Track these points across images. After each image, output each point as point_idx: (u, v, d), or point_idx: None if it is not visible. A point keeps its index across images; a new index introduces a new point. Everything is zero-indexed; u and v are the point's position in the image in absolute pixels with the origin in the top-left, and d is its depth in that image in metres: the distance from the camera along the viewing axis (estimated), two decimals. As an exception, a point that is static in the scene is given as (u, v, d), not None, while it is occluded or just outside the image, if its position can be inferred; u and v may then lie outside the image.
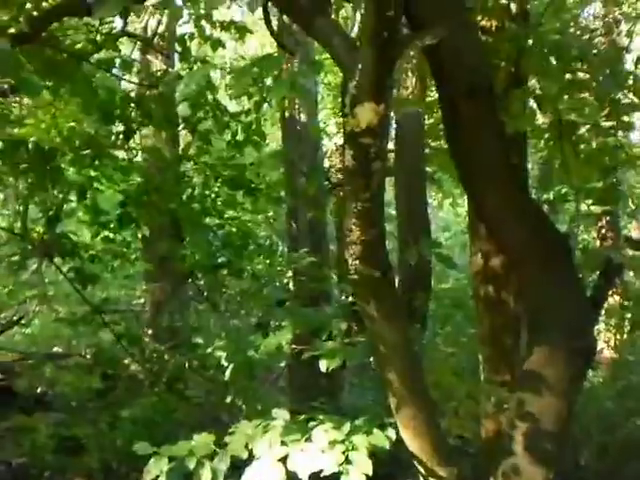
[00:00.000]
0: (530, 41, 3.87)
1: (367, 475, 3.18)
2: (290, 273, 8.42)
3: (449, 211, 16.68)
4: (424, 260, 7.41)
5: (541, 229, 3.42)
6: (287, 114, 8.68)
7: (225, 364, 4.10)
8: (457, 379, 4.61)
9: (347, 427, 3.36)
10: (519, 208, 3.38)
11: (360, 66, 2.66)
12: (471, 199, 3.76)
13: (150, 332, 8.89)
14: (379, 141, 2.82)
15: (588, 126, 4.58)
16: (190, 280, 9.47)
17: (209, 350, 4.25)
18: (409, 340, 3.45)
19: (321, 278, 6.97)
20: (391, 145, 8.08)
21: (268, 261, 10.18)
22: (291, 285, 8.67)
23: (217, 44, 6.27)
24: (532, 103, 4.19)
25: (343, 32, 3.07)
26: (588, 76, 4.09)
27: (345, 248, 3.10)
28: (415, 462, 3.44)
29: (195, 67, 7.33)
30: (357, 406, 6.90)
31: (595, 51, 5.18)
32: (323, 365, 3.87)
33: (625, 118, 4.75)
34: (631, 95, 4.31)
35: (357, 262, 3.06)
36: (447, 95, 3.27)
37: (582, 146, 4.40)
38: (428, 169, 8.72)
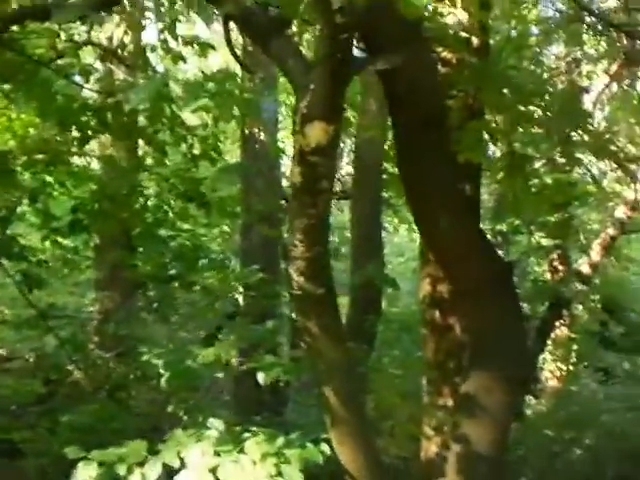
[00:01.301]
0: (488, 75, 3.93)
1: (298, 489, 3.19)
2: (241, 289, 8.38)
3: (404, 236, 16.78)
4: (375, 283, 7.45)
5: (487, 258, 3.48)
6: (247, 131, 8.71)
7: (162, 372, 4.08)
8: (400, 401, 4.64)
9: (280, 440, 3.37)
10: (466, 237, 3.43)
11: (312, 85, 2.70)
12: (420, 224, 3.79)
13: (96, 340, 8.80)
14: (328, 161, 2.86)
15: (543, 161, 4.66)
16: (141, 291, 9.39)
17: (146, 357, 4.21)
18: (349, 358, 3.48)
19: (271, 295, 6.95)
20: (350, 169, 8.13)
21: (220, 276, 10.11)
22: (241, 301, 8.65)
23: (178, 58, 6.25)
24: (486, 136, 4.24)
25: (299, 53, 3.09)
26: (541, 112, 4.17)
27: (289, 263, 3.12)
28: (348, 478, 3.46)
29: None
30: (299, 423, 6.89)
31: (551, 89, 5.30)
32: (261, 378, 3.88)
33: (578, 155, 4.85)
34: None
35: (301, 278, 3.08)
36: (400, 121, 3.32)
37: (535, 180, 4.45)
38: (385, 194, 8.79)
